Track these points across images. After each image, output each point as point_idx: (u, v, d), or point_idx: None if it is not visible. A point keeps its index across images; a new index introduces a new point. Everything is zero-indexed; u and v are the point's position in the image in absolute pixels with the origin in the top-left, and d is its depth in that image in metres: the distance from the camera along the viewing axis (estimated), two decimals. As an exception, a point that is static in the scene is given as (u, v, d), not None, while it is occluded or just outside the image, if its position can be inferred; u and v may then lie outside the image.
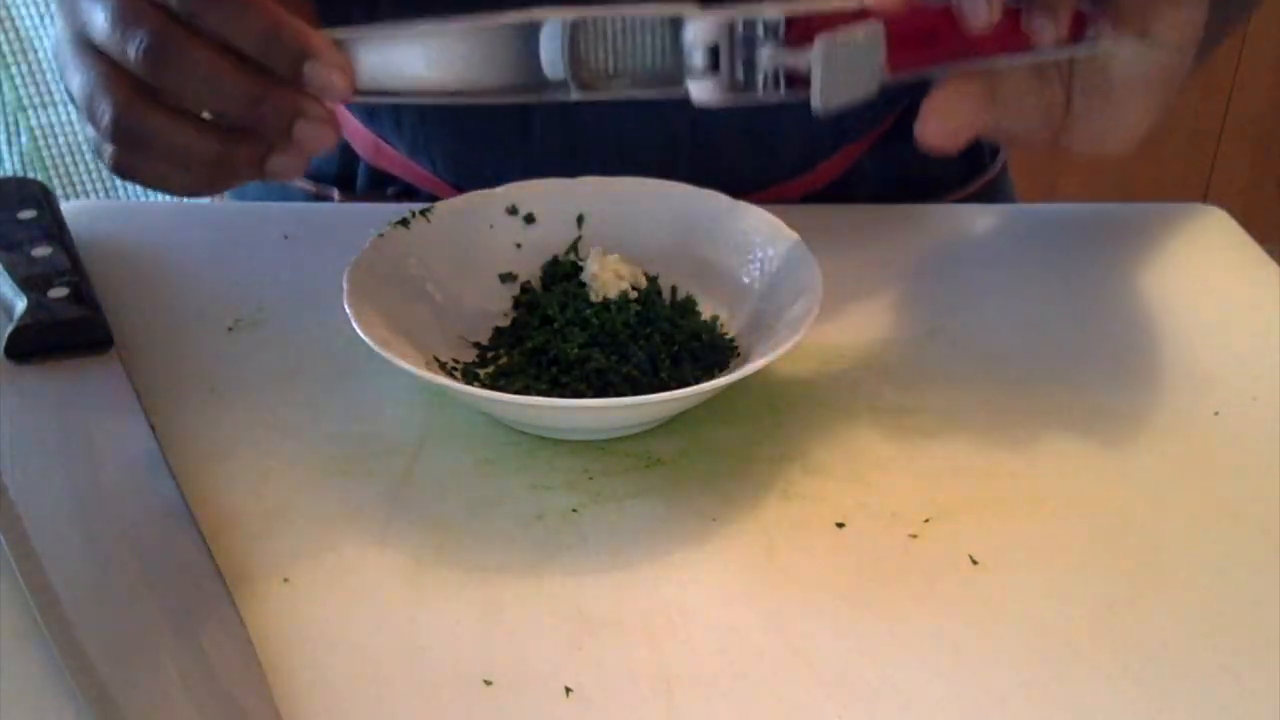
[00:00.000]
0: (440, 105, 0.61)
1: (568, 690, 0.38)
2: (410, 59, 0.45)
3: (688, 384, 0.46)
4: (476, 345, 0.52)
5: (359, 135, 0.66)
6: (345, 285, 0.48)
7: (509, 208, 0.56)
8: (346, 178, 0.69)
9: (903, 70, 0.45)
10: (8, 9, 1.58)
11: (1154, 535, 0.44)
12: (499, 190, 0.56)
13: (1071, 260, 0.61)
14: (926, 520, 0.44)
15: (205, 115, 0.44)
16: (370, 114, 0.64)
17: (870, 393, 0.51)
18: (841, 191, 0.67)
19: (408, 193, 0.67)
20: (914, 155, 0.69)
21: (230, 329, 0.55)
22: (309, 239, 0.61)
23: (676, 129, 0.61)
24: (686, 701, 0.37)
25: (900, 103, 0.66)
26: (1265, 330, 0.56)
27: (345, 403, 0.50)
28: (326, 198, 0.68)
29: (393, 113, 0.63)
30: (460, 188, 0.64)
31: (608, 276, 0.51)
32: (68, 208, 0.61)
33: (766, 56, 0.43)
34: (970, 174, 0.72)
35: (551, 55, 0.44)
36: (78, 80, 0.43)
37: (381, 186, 0.67)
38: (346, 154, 0.68)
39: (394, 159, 0.65)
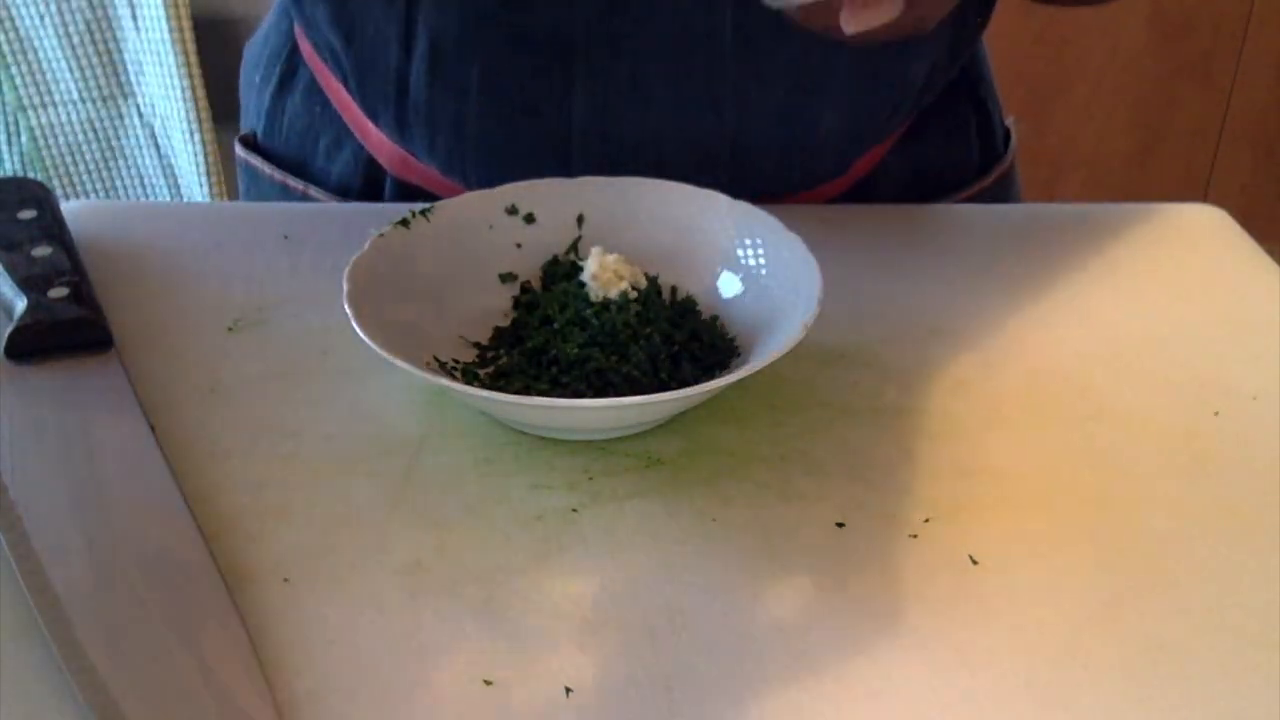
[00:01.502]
0: (478, 124, 0.60)
1: (568, 690, 0.38)
2: None
3: (688, 384, 0.46)
4: (476, 345, 0.52)
5: (384, 149, 0.66)
6: (345, 285, 0.48)
7: (509, 208, 0.56)
8: (372, 192, 0.68)
9: None
10: (8, 9, 1.58)
11: (1154, 535, 0.44)
12: (499, 190, 0.56)
13: (1071, 260, 0.61)
14: (926, 520, 0.44)
15: None
16: (401, 132, 0.64)
17: (870, 393, 0.51)
18: (869, 189, 0.67)
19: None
20: (934, 150, 0.69)
21: (230, 329, 0.55)
22: (309, 239, 0.61)
23: (716, 145, 0.61)
24: (686, 701, 0.37)
25: (928, 100, 0.66)
26: (1265, 330, 0.56)
27: (345, 403, 0.50)
28: None
29: (427, 132, 0.62)
30: None
31: (608, 276, 0.51)
32: (68, 208, 0.61)
33: None
34: (986, 165, 0.72)
35: None
36: None
37: (409, 199, 0.66)
38: (371, 167, 0.67)
39: (422, 173, 0.65)
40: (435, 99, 0.61)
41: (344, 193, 0.69)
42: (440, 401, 0.50)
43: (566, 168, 0.61)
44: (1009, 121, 0.76)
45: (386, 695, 0.37)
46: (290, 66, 0.71)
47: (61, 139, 1.68)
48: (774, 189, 0.57)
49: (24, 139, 1.67)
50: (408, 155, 0.65)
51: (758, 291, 0.53)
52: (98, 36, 1.62)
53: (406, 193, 0.67)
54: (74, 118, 1.67)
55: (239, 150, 0.74)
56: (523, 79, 0.59)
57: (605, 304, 0.50)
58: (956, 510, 0.45)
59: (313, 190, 0.69)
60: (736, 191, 0.55)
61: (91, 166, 1.72)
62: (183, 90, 1.62)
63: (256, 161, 0.73)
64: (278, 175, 0.71)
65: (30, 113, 1.65)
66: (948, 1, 0.46)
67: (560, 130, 0.60)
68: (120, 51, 1.64)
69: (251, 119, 0.75)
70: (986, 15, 0.68)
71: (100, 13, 1.61)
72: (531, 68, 0.59)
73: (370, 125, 0.66)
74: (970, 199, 0.70)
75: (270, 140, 0.73)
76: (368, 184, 0.68)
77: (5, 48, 1.60)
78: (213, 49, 1.66)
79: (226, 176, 1.70)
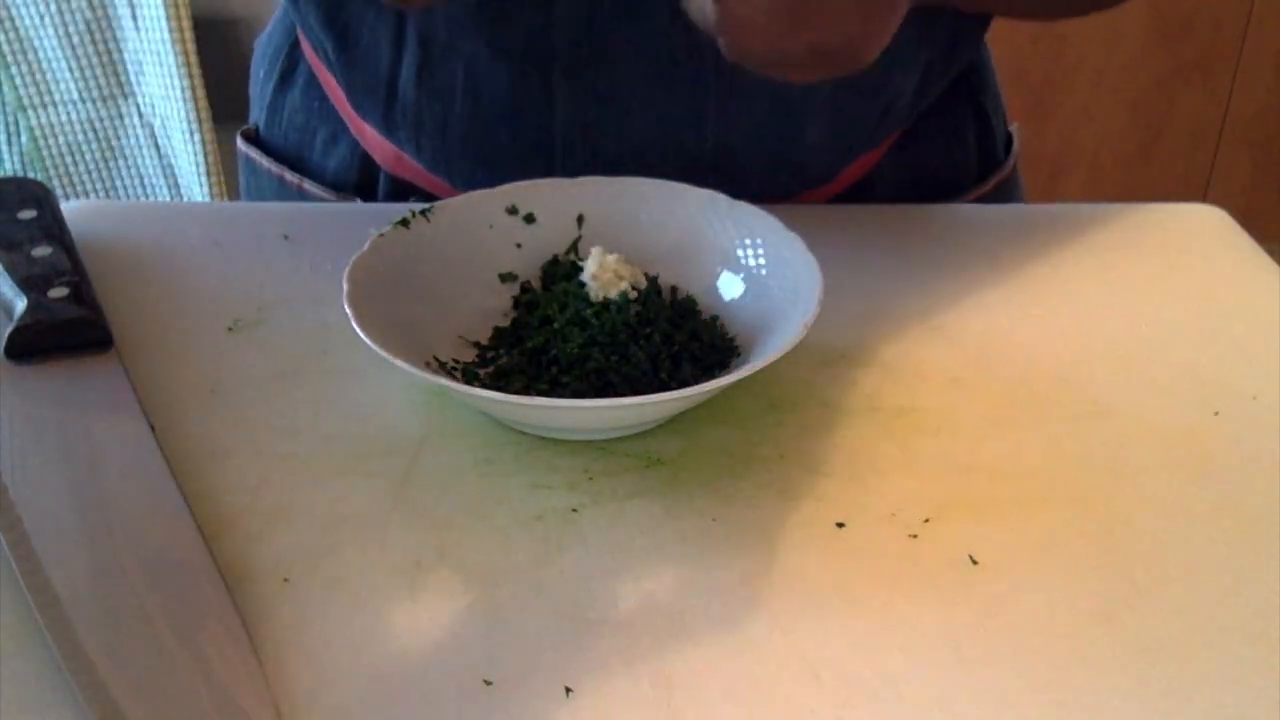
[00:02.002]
0: (462, 128, 0.60)
1: (568, 690, 0.38)
2: None
3: (688, 384, 0.46)
4: (476, 345, 0.52)
5: (378, 146, 0.66)
6: (345, 285, 0.48)
7: (509, 208, 0.56)
8: (366, 187, 0.68)
9: None
10: (8, 9, 1.58)
11: (1154, 535, 0.44)
12: (499, 190, 0.56)
13: (1071, 260, 0.61)
14: (926, 520, 0.44)
15: None
16: (389, 128, 0.64)
17: (870, 393, 0.51)
18: (861, 195, 0.67)
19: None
20: (931, 156, 0.69)
21: (230, 329, 0.55)
22: (309, 239, 0.61)
23: (700, 154, 0.61)
24: (686, 701, 0.37)
25: (922, 107, 0.66)
26: (1265, 330, 0.56)
27: (345, 403, 0.50)
28: None
29: (413, 133, 0.63)
30: None
31: (608, 276, 0.51)
32: (68, 208, 0.61)
33: None
34: (985, 171, 0.72)
35: None
36: None
37: (403, 196, 0.67)
38: (365, 163, 0.68)
39: (415, 170, 0.65)
40: (422, 101, 0.61)
41: (339, 187, 0.69)
42: (440, 401, 0.50)
43: (550, 174, 0.61)
44: (1012, 128, 0.76)
45: (386, 695, 0.37)
46: (291, 62, 0.71)
47: (61, 139, 1.68)
48: (761, 196, 0.57)
49: (24, 139, 1.67)
50: (400, 152, 0.65)
51: (758, 291, 0.53)
52: (98, 36, 1.62)
53: (400, 189, 0.67)
54: (74, 118, 1.67)
55: (240, 143, 0.75)
56: (504, 86, 0.59)
57: (605, 304, 0.50)
58: (956, 510, 0.45)
59: (308, 184, 0.70)
60: None
61: (91, 166, 1.72)
62: (183, 90, 1.62)
63: (255, 154, 0.73)
64: (275, 169, 0.72)
65: (30, 113, 1.66)
66: (877, 30, 0.46)
67: (542, 137, 0.60)
68: (120, 51, 1.64)
69: (255, 113, 0.75)
70: (988, 17, 0.68)
71: (100, 13, 1.61)
72: (512, 75, 0.59)
73: (365, 122, 0.66)
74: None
75: (271, 134, 0.73)
76: (362, 179, 0.68)
77: (5, 48, 1.60)
78: (213, 49, 1.66)
79: (226, 176, 1.70)
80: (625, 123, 0.60)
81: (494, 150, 0.61)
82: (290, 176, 0.71)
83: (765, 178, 0.63)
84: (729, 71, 0.58)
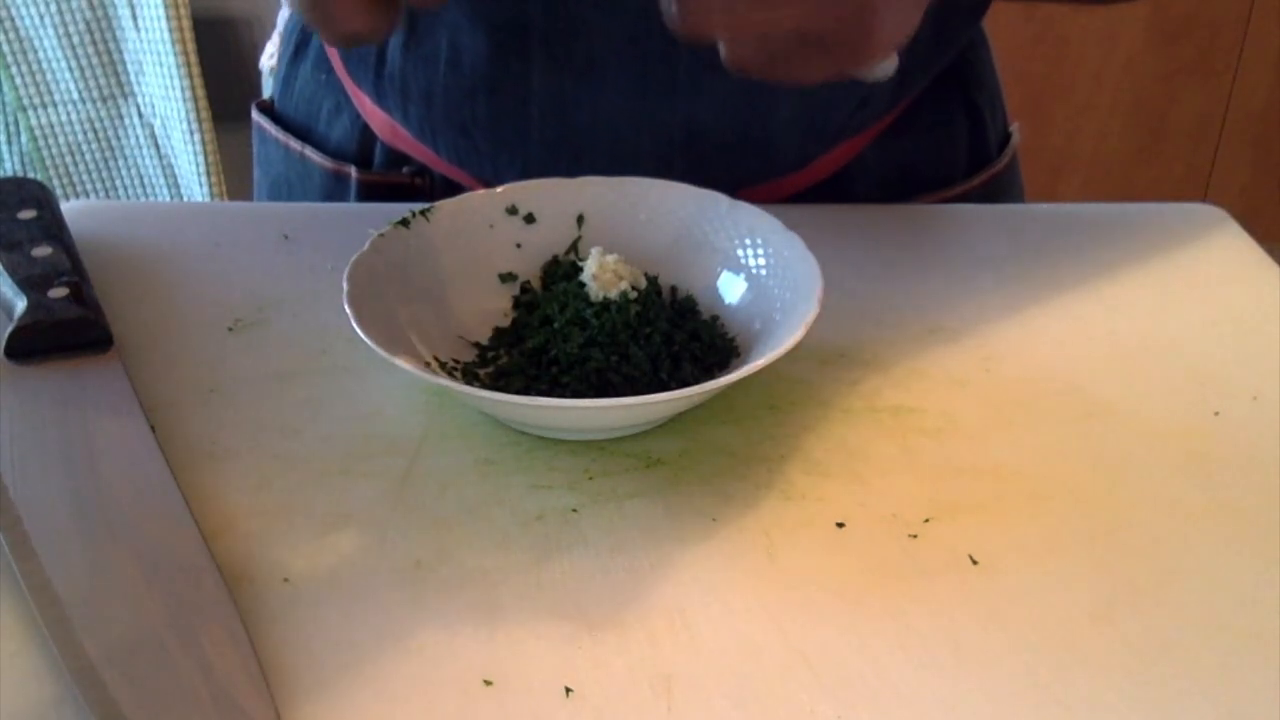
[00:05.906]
0: (444, 96, 0.61)
1: (568, 690, 0.38)
2: None
3: (688, 384, 0.46)
4: (476, 345, 0.52)
5: (376, 116, 0.68)
6: (345, 285, 0.48)
7: (509, 208, 0.56)
8: (365, 157, 0.70)
9: None
10: (8, 9, 1.58)
11: (1154, 535, 0.44)
12: (499, 190, 0.56)
13: (1071, 260, 0.61)
14: (926, 520, 0.44)
15: None
16: (379, 95, 0.65)
17: (870, 393, 0.51)
18: (842, 185, 0.67)
19: (422, 173, 0.68)
20: (917, 148, 0.69)
21: (230, 329, 0.55)
22: (309, 239, 0.61)
23: (671, 131, 0.61)
24: (686, 701, 0.37)
25: (904, 96, 0.66)
26: (1265, 330, 0.56)
27: (345, 403, 0.50)
28: (345, 175, 0.69)
29: (400, 101, 0.64)
30: (468, 172, 0.65)
31: (607, 276, 0.51)
32: (68, 208, 0.61)
33: None
34: (975, 167, 0.72)
35: None
36: None
37: (398, 166, 0.69)
38: (365, 134, 0.70)
39: (407, 140, 0.67)
40: (408, 68, 0.62)
41: (339, 157, 0.71)
42: (440, 401, 0.50)
43: (525, 145, 0.62)
44: (1013, 128, 0.75)
45: (386, 695, 0.37)
46: (304, 36, 0.73)
47: (61, 139, 1.69)
48: (732, 177, 0.57)
49: (24, 139, 1.67)
50: (395, 123, 0.66)
51: (758, 291, 0.53)
52: (98, 36, 1.62)
53: (395, 159, 0.69)
54: (74, 118, 1.67)
55: (254, 114, 0.77)
56: (483, 55, 0.60)
57: (605, 304, 0.50)
58: (956, 510, 0.45)
59: (309, 152, 0.72)
60: (694, 178, 0.55)
61: (91, 166, 1.72)
62: (183, 90, 1.62)
63: (266, 123, 0.75)
64: (281, 137, 0.74)
65: (30, 113, 1.66)
66: (878, 14, 0.43)
67: (519, 109, 0.61)
68: (120, 51, 1.64)
69: (273, 87, 0.78)
70: (982, 4, 0.67)
71: (100, 13, 1.61)
72: (491, 46, 0.60)
73: (362, 92, 0.68)
74: (954, 199, 0.70)
75: (284, 106, 0.75)
76: (361, 150, 0.70)
77: (5, 48, 1.60)
78: (213, 49, 1.66)
79: (226, 176, 1.70)
80: (599, 96, 0.60)
81: (473, 120, 0.62)
82: (294, 144, 0.73)
83: (735, 158, 0.63)
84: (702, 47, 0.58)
